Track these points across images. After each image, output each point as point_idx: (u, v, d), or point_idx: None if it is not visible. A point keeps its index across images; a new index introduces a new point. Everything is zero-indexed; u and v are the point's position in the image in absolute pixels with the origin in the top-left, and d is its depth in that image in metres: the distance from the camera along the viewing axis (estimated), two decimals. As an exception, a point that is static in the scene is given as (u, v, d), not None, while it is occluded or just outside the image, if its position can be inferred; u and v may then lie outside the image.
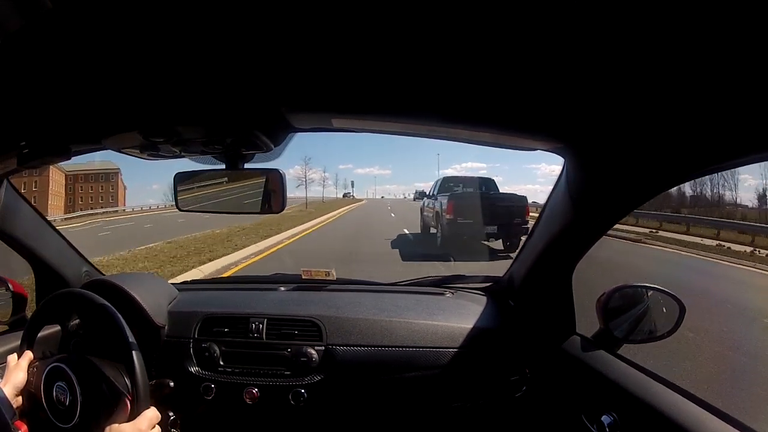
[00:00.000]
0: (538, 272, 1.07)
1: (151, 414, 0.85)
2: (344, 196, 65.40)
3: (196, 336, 1.15)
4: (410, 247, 8.17)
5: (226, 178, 0.91)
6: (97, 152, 0.97)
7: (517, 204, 7.50)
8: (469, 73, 0.57)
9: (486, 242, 7.41)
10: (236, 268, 6.24)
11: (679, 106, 0.54)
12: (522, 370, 1.07)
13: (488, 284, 1.34)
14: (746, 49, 0.43)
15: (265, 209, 0.89)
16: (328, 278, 1.38)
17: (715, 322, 3.69)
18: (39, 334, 1.02)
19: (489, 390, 1.07)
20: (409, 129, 0.77)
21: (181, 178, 0.93)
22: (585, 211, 0.83)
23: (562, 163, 0.84)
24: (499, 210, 7.18)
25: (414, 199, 54.45)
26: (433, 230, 8.53)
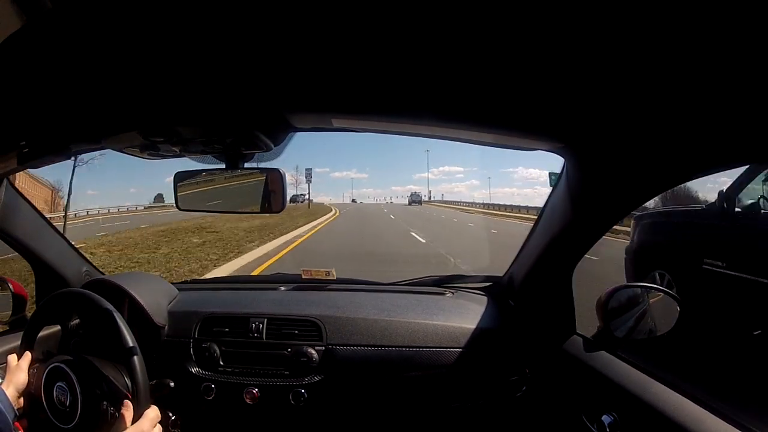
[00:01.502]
0: (538, 272, 1.07)
1: (153, 414, 0.85)
2: (292, 201, 36.00)
3: (196, 336, 1.15)
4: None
5: (226, 178, 0.91)
6: (97, 152, 0.97)
7: None
8: (470, 74, 0.57)
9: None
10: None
11: (678, 107, 0.54)
12: (522, 370, 1.07)
13: (488, 284, 1.34)
14: (745, 51, 0.43)
15: (265, 209, 0.89)
16: (328, 278, 1.38)
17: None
18: (39, 334, 1.02)
19: (489, 390, 1.07)
20: (409, 129, 0.77)
21: (181, 178, 0.93)
22: (585, 211, 0.83)
23: (562, 163, 0.85)
24: None
25: (409, 203, 41.43)
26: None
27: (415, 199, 44.02)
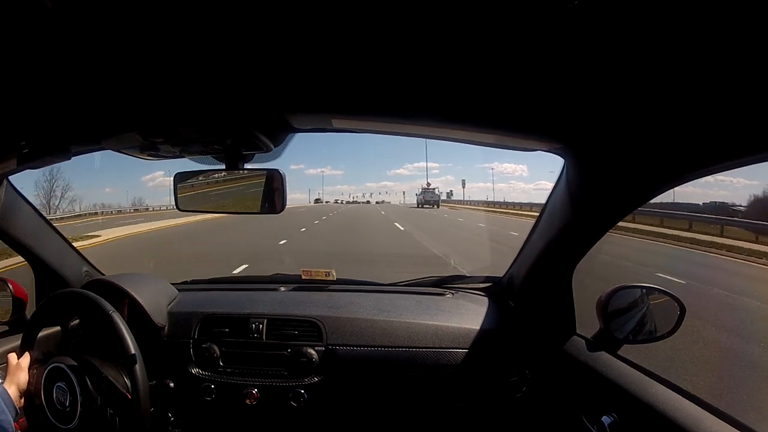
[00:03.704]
0: (538, 273, 1.07)
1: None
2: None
3: (196, 336, 1.15)
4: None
5: (225, 179, 0.91)
6: (97, 152, 0.97)
7: None
8: (469, 75, 0.57)
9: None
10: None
11: (678, 107, 0.54)
12: (522, 371, 1.07)
13: (488, 285, 1.34)
14: (744, 49, 0.43)
15: (264, 209, 0.89)
16: (328, 278, 1.38)
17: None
18: (39, 335, 1.03)
19: (489, 391, 1.07)
20: (408, 129, 0.77)
21: (180, 178, 0.93)
22: (585, 211, 0.83)
23: (562, 163, 0.84)
24: None
25: (419, 205, 25.50)
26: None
27: (429, 198, 25.89)
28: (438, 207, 25.16)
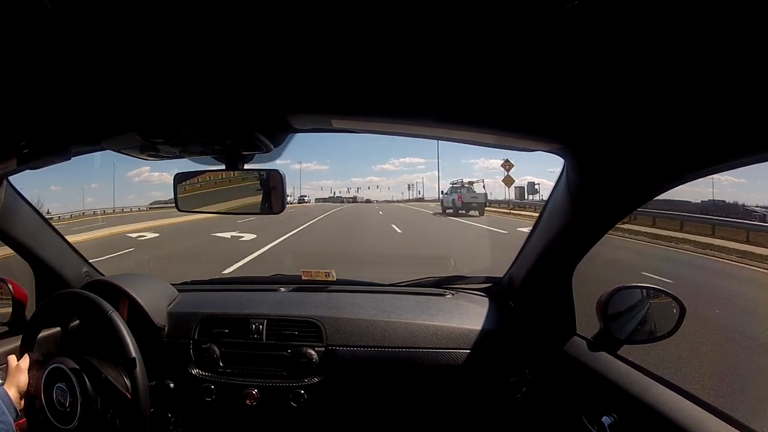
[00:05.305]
0: (538, 273, 1.07)
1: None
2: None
3: (196, 337, 1.15)
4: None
5: (225, 179, 0.91)
6: (97, 152, 0.97)
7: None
8: (470, 76, 0.57)
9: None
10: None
11: (677, 107, 0.54)
12: (522, 371, 1.07)
13: (488, 285, 1.34)
14: (744, 49, 0.43)
15: (264, 209, 0.89)
16: (328, 279, 1.38)
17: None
18: (39, 335, 1.03)
19: (489, 391, 1.07)
20: (409, 130, 0.77)
21: (180, 179, 0.93)
22: (585, 211, 0.83)
23: (562, 163, 0.84)
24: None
25: (445, 210, 15.21)
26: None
27: (469, 200, 15.13)
28: (479, 212, 14.74)
